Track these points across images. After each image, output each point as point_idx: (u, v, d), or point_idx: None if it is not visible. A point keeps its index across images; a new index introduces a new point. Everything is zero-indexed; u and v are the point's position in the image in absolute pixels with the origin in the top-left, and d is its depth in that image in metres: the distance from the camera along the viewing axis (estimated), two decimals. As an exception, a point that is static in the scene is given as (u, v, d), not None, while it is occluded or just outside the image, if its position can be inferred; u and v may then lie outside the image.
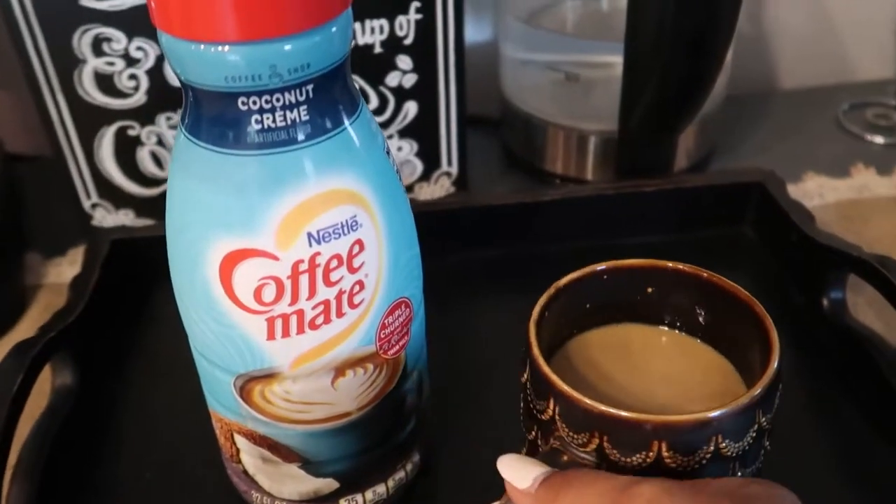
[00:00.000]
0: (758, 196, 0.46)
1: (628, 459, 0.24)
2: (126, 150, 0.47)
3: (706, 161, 0.55)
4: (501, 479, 0.31)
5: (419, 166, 0.50)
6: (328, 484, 0.29)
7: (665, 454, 0.24)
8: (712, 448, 0.24)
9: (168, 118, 0.46)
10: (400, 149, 0.49)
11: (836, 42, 0.67)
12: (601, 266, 0.29)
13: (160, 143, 0.47)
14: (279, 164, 0.23)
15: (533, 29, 0.52)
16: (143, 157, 0.47)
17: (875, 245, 0.46)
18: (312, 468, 0.29)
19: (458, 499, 0.33)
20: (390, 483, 0.31)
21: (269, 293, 0.24)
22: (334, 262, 0.24)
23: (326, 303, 0.25)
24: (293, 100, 0.23)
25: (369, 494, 0.30)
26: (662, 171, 0.49)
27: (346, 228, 0.24)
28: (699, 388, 0.29)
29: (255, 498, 0.31)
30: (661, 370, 0.30)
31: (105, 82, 0.44)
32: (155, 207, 0.49)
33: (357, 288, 0.25)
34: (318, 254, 0.24)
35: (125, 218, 0.49)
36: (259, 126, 0.23)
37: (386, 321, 0.27)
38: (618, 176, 0.50)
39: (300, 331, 0.25)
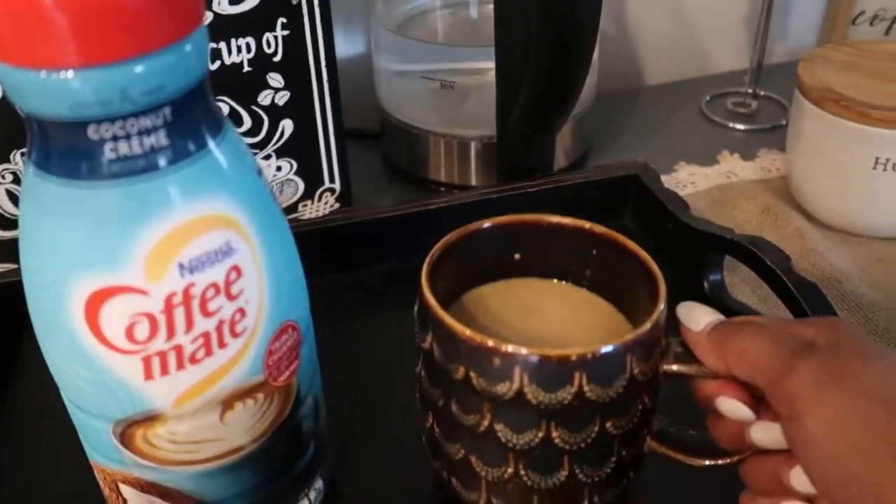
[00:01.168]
0: (634, 188, 0.47)
1: (493, 389, 0.25)
2: (-21, 191, 0.43)
3: (584, 158, 0.56)
4: (409, 499, 0.31)
5: (301, 185, 0.49)
6: (227, 524, 0.28)
7: (527, 388, 0.25)
8: (575, 388, 0.25)
9: (23, 153, 0.43)
10: (279, 168, 0.48)
11: (695, 37, 0.71)
12: (487, 223, 0.31)
13: (16, 181, 0.44)
14: (140, 193, 0.22)
15: (404, 39, 0.52)
16: (0, 198, 0.44)
17: (745, 225, 0.49)
18: (208, 510, 0.27)
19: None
20: (294, 514, 0.30)
21: (142, 331, 0.23)
22: (211, 292, 0.23)
23: (206, 335, 0.24)
24: (149, 125, 0.21)
25: (273, 529, 0.29)
26: (543, 171, 0.50)
27: (219, 255, 0.23)
28: (590, 335, 0.30)
29: (149, 549, 0.29)
30: (553, 317, 0.31)
31: (-52, 120, 0.41)
32: (16, 250, 0.46)
33: (238, 316, 0.24)
34: (192, 284, 0.23)
35: (-15, 264, 0.45)
36: (114, 155, 0.21)
37: (273, 347, 0.26)
38: (500, 179, 0.50)
39: (180, 367, 0.24)
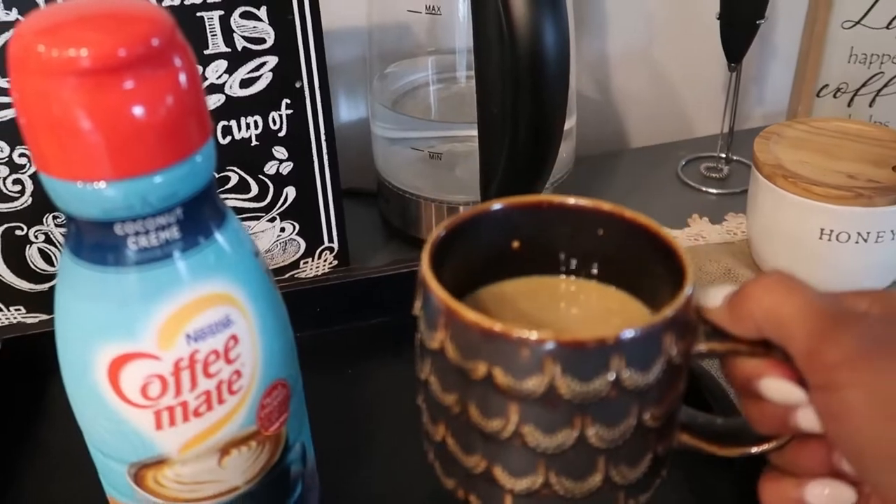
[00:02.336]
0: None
1: (521, 386, 0.23)
2: (14, 250, 0.48)
3: (564, 220, 0.61)
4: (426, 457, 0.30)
5: (302, 244, 0.54)
6: (224, 555, 0.32)
7: (559, 381, 0.22)
8: (613, 376, 0.23)
9: (55, 217, 0.48)
10: (283, 230, 0.53)
11: (674, 103, 0.76)
12: (496, 205, 0.28)
13: (48, 240, 0.49)
14: (156, 277, 0.27)
15: (397, 113, 0.57)
16: (32, 255, 0.49)
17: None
18: (207, 541, 0.32)
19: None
20: (283, 547, 0.34)
21: (154, 389, 0.27)
22: (212, 357, 0.28)
23: (208, 393, 0.28)
24: (164, 222, 0.26)
25: (263, 560, 0.33)
26: (523, 233, 0.54)
27: (220, 326, 0.28)
28: (614, 323, 0.28)
29: (156, 575, 0.33)
30: (572, 316, 0.28)
31: (-10, 188, 0.46)
32: (45, 302, 0.51)
33: (235, 377, 0.29)
34: (197, 351, 0.27)
35: (17, 314, 0.51)
36: (136, 247, 0.26)
37: (264, 402, 0.30)
38: (484, 240, 0.55)
39: (185, 419, 0.28)
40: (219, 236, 0.28)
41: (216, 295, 0.28)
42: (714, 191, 0.64)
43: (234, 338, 0.28)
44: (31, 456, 0.42)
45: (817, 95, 0.63)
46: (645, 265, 0.27)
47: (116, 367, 0.27)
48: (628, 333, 0.22)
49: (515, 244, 0.29)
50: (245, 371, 0.29)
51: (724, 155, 0.67)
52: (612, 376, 0.23)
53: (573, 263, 0.29)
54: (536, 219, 0.28)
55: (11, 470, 0.41)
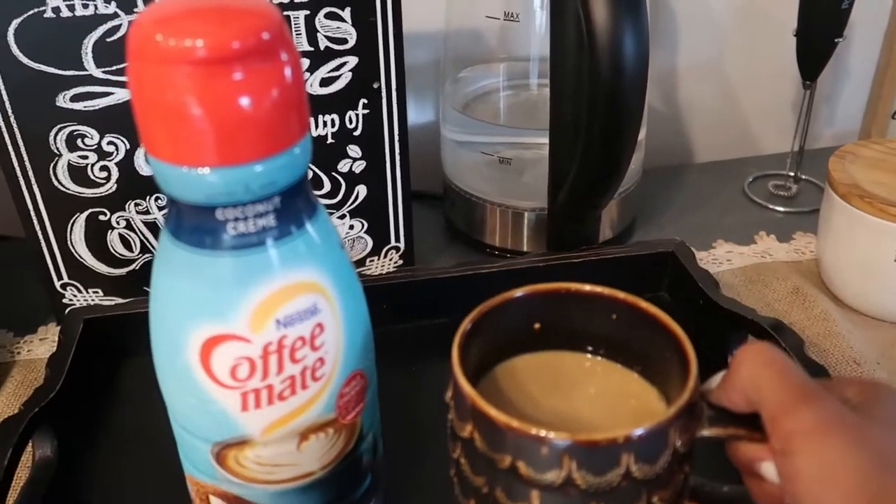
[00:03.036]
0: (671, 264, 0.51)
1: (541, 477, 0.25)
2: (97, 234, 0.50)
3: (629, 231, 0.61)
4: None
5: (370, 242, 0.55)
6: (294, 538, 0.33)
7: (575, 474, 0.25)
8: (623, 470, 0.25)
9: (136, 204, 0.50)
10: (352, 227, 0.54)
11: (742, 119, 0.75)
12: (519, 292, 0.31)
13: (129, 227, 0.51)
14: (251, 262, 0.28)
15: (468, 118, 0.58)
16: (113, 240, 0.51)
17: (775, 304, 0.52)
18: (279, 524, 0.33)
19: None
20: (349, 535, 0.35)
21: (243, 371, 0.28)
22: (299, 343, 0.29)
23: (293, 377, 0.29)
24: (263, 210, 0.27)
25: (331, 546, 0.34)
26: (589, 242, 0.54)
27: (308, 314, 0.29)
28: (624, 411, 0.30)
29: (227, 554, 0.34)
30: (587, 394, 0.31)
31: (78, 173, 0.48)
32: (122, 286, 0.52)
33: (318, 364, 0.29)
34: (285, 336, 0.28)
35: (94, 296, 0.52)
36: (234, 232, 0.27)
37: (343, 391, 0.31)
38: (549, 248, 0.55)
39: (270, 402, 0.29)
40: (310, 227, 0.29)
41: (305, 283, 0.29)
42: (781, 209, 0.64)
43: (320, 325, 0.29)
44: (105, 433, 0.43)
45: (893, 117, 0.62)
46: (655, 350, 0.29)
47: (208, 347, 0.28)
48: (637, 433, 0.25)
49: (537, 325, 0.32)
50: (328, 359, 0.30)
51: (792, 173, 0.66)
52: (622, 469, 0.25)
53: (589, 343, 0.32)
54: (556, 304, 0.31)
55: (87, 446, 0.42)
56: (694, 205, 0.65)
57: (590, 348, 0.32)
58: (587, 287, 0.31)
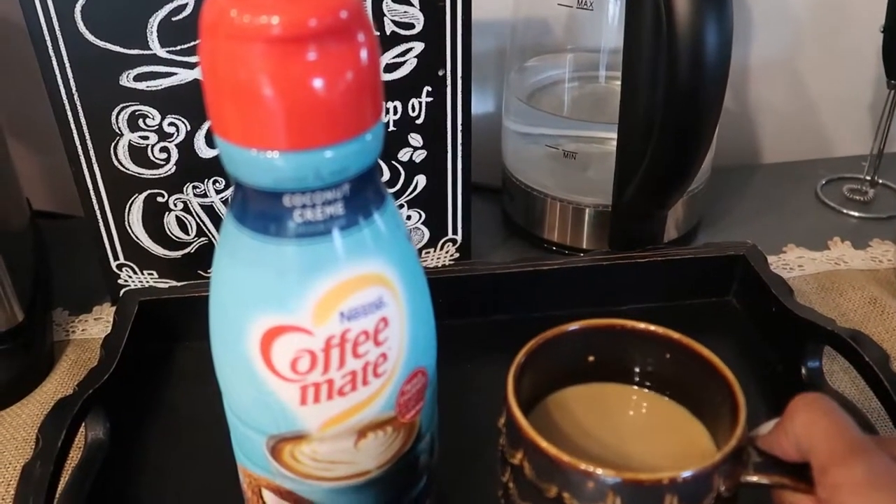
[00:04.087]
0: (741, 268, 0.49)
1: None
2: (154, 215, 0.50)
3: (694, 232, 0.59)
4: None
5: (427, 233, 0.54)
6: (347, 536, 0.32)
7: None
8: None
9: (195, 187, 0.50)
10: (409, 217, 0.53)
11: (815, 119, 0.72)
12: (574, 325, 0.32)
13: (186, 209, 0.50)
14: (317, 252, 0.26)
15: (532, 108, 0.56)
16: (170, 223, 0.50)
17: (850, 314, 0.50)
18: (333, 521, 0.31)
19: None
20: (402, 536, 0.34)
21: (303, 364, 0.27)
22: (362, 338, 0.27)
23: (354, 373, 0.28)
24: (331, 197, 0.26)
25: (383, 546, 0.33)
26: (653, 242, 0.52)
27: (373, 307, 0.27)
28: (671, 447, 0.31)
29: (277, 548, 0.33)
30: (635, 429, 0.32)
31: (138, 154, 0.48)
32: (176, 269, 0.52)
33: (381, 360, 0.28)
34: (349, 330, 0.27)
35: (149, 277, 0.52)
36: (301, 219, 0.26)
37: (405, 389, 0.30)
38: (611, 246, 0.53)
39: (330, 397, 0.28)
40: (377, 217, 0.28)
41: (371, 275, 0.27)
42: (857, 214, 0.61)
43: (385, 320, 0.28)
44: (157, 417, 0.43)
45: (982, 121, 0.59)
46: (707, 392, 0.30)
47: (269, 338, 0.27)
48: (682, 475, 0.26)
49: (591, 358, 0.33)
50: (391, 355, 0.29)
51: (869, 177, 0.63)
52: None
53: (642, 378, 0.33)
54: (611, 338, 0.32)
55: (139, 429, 0.42)
56: (764, 207, 0.63)
57: (642, 383, 0.33)
58: (642, 325, 0.32)
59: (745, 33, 0.67)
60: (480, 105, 0.66)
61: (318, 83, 0.24)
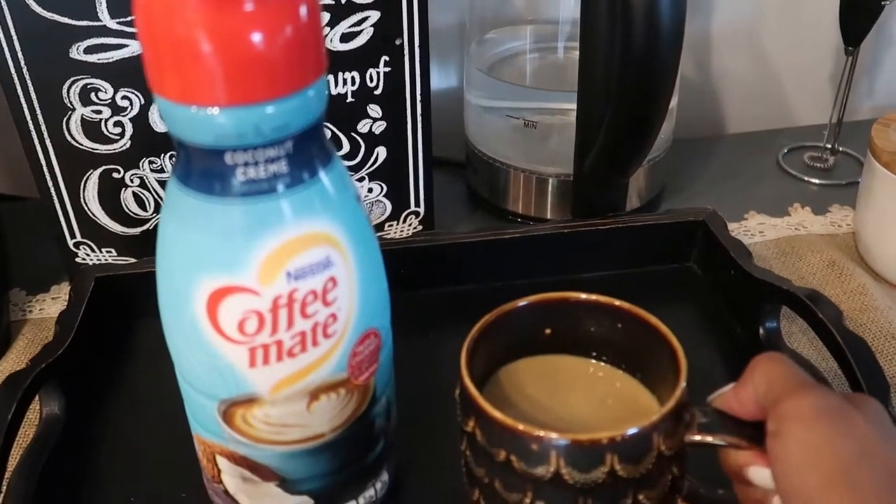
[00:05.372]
0: (701, 234, 0.49)
1: (532, 471, 0.27)
2: (110, 192, 0.49)
3: (657, 200, 0.59)
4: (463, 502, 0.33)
5: (389, 206, 0.53)
6: (304, 501, 0.32)
7: (563, 470, 0.27)
8: (607, 468, 0.27)
9: (151, 162, 0.49)
10: (371, 190, 0.52)
11: (778, 89, 0.72)
12: (525, 301, 0.33)
13: (142, 185, 0.49)
14: (261, 211, 0.26)
15: (493, 80, 0.56)
16: (127, 199, 0.50)
17: (809, 278, 0.50)
18: (289, 486, 0.31)
19: (424, 517, 0.36)
20: (361, 500, 0.34)
21: (251, 325, 0.27)
22: (310, 297, 0.27)
23: (303, 333, 0.28)
24: (274, 154, 0.26)
25: (342, 511, 0.33)
26: (615, 210, 0.52)
27: (320, 267, 0.27)
28: (619, 413, 0.32)
29: (234, 517, 0.33)
30: (586, 397, 0.33)
31: (92, 129, 0.47)
32: (135, 246, 0.51)
33: (331, 320, 0.28)
34: (296, 289, 0.27)
35: (107, 255, 0.51)
36: (244, 178, 0.26)
37: (357, 350, 0.30)
38: (574, 215, 0.53)
39: (279, 359, 0.28)
40: (323, 176, 0.27)
41: (318, 234, 0.27)
42: (817, 181, 0.61)
43: (333, 280, 0.28)
44: (115, 391, 0.42)
45: (938, 87, 0.59)
46: (654, 359, 0.31)
47: (216, 300, 0.27)
48: (620, 435, 0.27)
49: (548, 331, 0.34)
50: (341, 315, 0.28)
51: (829, 145, 0.63)
52: (607, 468, 0.27)
53: (595, 349, 0.34)
54: (564, 311, 0.33)
55: (95, 404, 0.41)
56: (726, 175, 0.63)
57: (595, 354, 0.34)
58: (592, 297, 0.33)
59: (707, 3, 0.67)
60: (443, 80, 0.66)
61: (256, 36, 0.24)
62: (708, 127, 0.72)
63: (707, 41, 0.69)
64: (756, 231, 0.55)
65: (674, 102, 0.56)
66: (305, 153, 0.27)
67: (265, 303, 0.27)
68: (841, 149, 0.64)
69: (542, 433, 0.27)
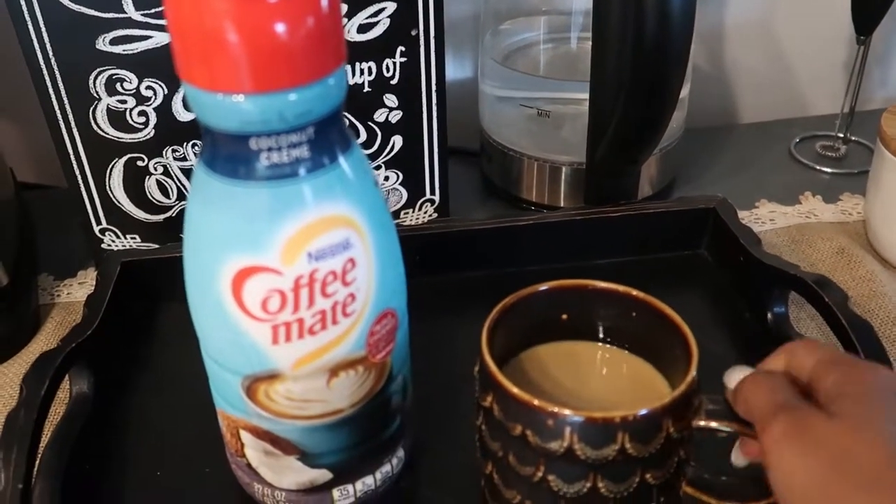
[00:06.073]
0: (711, 221, 0.50)
1: (546, 446, 0.28)
2: (135, 179, 0.51)
3: (669, 189, 0.60)
4: (476, 480, 0.34)
5: (405, 194, 0.55)
6: (323, 475, 0.33)
7: (576, 445, 0.28)
8: (618, 446, 0.28)
9: (174, 150, 0.50)
10: (387, 178, 0.54)
11: (791, 80, 0.73)
12: (545, 286, 0.34)
13: (166, 173, 0.51)
14: (284, 194, 0.27)
15: (507, 69, 0.57)
16: (151, 186, 0.51)
17: (818, 264, 0.51)
18: (309, 460, 0.33)
19: (437, 492, 0.37)
20: (378, 475, 0.35)
21: (274, 303, 0.28)
22: (330, 277, 0.28)
23: (323, 312, 0.29)
24: (297, 140, 0.27)
25: (359, 485, 0.34)
26: (627, 198, 0.53)
27: (340, 248, 0.28)
28: (633, 396, 0.33)
29: (256, 489, 0.35)
30: (601, 381, 0.34)
31: (117, 118, 0.48)
32: (159, 232, 0.53)
33: (349, 299, 0.29)
34: (317, 270, 0.28)
35: (132, 242, 0.53)
36: (267, 162, 0.27)
37: (374, 329, 0.31)
38: (587, 203, 0.54)
39: (300, 336, 0.29)
40: (343, 161, 0.29)
41: (338, 217, 0.28)
42: (829, 170, 0.62)
43: (352, 261, 0.29)
44: (141, 371, 0.44)
45: (951, 77, 0.59)
46: (667, 346, 0.32)
47: (240, 279, 0.28)
48: (632, 414, 0.28)
49: (564, 316, 0.35)
50: (359, 295, 0.30)
51: (841, 134, 0.64)
52: (618, 445, 0.28)
53: (610, 335, 0.35)
54: (580, 298, 0.34)
55: (122, 383, 0.43)
56: (738, 165, 0.63)
57: (610, 340, 0.35)
58: (610, 285, 0.34)
59: (719, -6, 0.68)
60: (458, 70, 0.67)
61: (280, 27, 0.25)
62: (722, 117, 0.73)
63: (720, 32, 0.70)
64: (767, 219, 0.56)
65: (685, 92, 0.57)
66: (326, 139, 0.28)
67: (287, 282, 0.28)
68: (853, 138, 0.64)
69: (557, 409, 0.28)
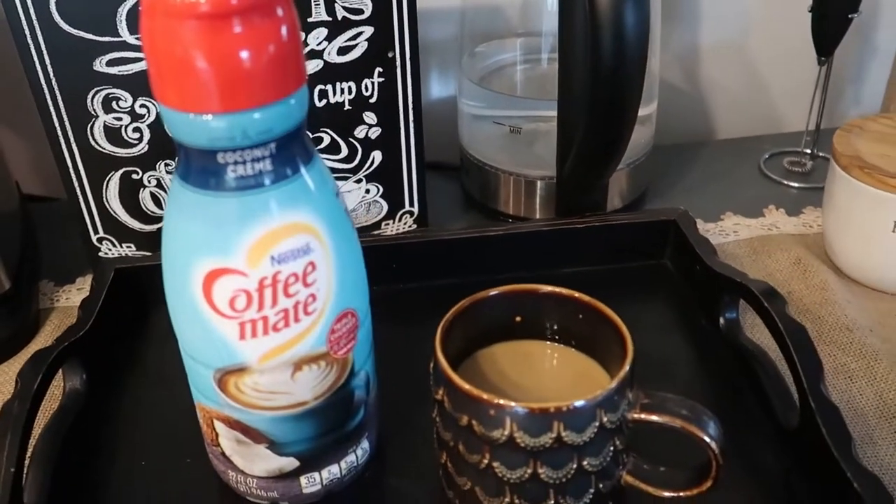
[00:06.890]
0: (673, 233, 0.53)
1: (489, 434, 0.31)
2: (130, 191, 0.54)
3: (638, 202, 0.62)
4: (437, 471, 0.36)
5: (385, 206, 0.58)
6: (290, 462, 0.36)
7: (516, 434, 0.31)
8: (554, 434, 0.31)
9: (166, 164, 0.53)
10: (368, 191, 0.57)
11: (763, 98, 0.76)
12: (496, 290, 0.37)
13: (159, 185, 0.54)
14: (249, 203, 0.30)
15: (482, 89, 0.60)
16: (145, 198, 0.54)
17: (776, 274, 0.53)
18: (277, 448, 0.35)
19: (401, 482, 0.40)
20: (343, 465, 0.38)
21: (240, 302, 0.31)
22: (292, 279, 0.31)
23: (286, 311, 0.32)
24: (260, 154, 0.30)
25: (325, 473, 0.37)
26: (595, 210, 0.56)
27: (300, 252, 0.31)
28: (578, 391, 0.35)
29: (231, 476, 0.37)
30: (549, 377, 0.37)
31: (113, 134, 0.52)
32: (153, 241, 0.56)
33: (310, 299, 0.32)
34: (279, 272, 0.31)
35: (127, 250, 0.56)
36: (234, 174, 0.30)
37: (335, 327, 0.34)
38: (558, 215, 0.57)
39: (265, 332, 0.32)
40: (305, 173, 0.32)
41: (299, 224, 0.31)
42: (796, 185, 0.64)
43: (312, 264, 0.32)
44: (131, 369, 0.47)
45: (912, 95, 0.62)
46: (610, 345, 0.35)
47: (210, 280, 0.31)
48: (566, 405, 0.30)
49: (518, 318, 0.38)
50: (320, 295, 0.32)
51: (808, 150, 0.66)
52: (554, 434, 0.31)
53: (559, 334, 0.38)
54: (533, 301, 0.37)
55: (113, 381, 0.46)
56: (708, 179, 0.66)
57: (561, 340, 0.38)
58: (556, 289, 0.37)
59: (693, 16, 0.71)
60: (441, 89, 0.70)
61: (244, 54, 0.28)
62: (696, 133, 0.76)
63: (696, 52, 0.73)
64: (731, 231, 0.58)
65: (651, 110, 0.59)
66: (288, 152, 0.31)
67: (252, 283, 0.31)
68: (821, 154, 0.67)
69: (499, 400, 0.31)
